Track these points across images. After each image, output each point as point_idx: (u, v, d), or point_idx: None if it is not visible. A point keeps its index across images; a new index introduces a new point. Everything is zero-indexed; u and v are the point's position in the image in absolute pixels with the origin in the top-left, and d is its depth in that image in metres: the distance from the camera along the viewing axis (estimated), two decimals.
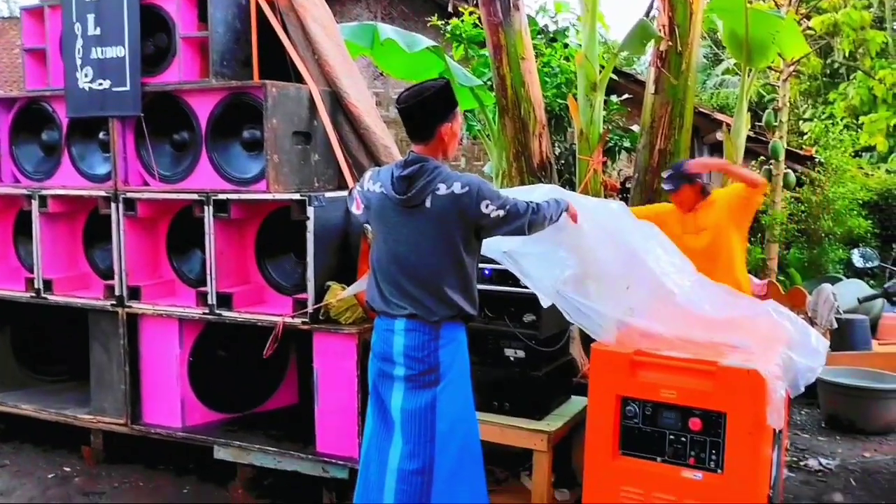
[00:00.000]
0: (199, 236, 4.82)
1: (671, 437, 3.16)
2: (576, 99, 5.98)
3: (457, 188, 3.12)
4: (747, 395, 2.99)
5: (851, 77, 13.82)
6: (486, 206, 3.12)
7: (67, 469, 4.84)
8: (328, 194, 4.34)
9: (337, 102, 4.75)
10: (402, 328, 3.22)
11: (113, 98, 4.65)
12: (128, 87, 4.60)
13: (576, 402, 4.10)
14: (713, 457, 3.08)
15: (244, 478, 4.48)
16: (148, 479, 4.69)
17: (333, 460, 4.19)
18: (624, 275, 3.38)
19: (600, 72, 5.91)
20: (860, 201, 8.26)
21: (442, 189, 3.12)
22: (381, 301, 3.28)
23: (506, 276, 3.87)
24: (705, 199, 4.56)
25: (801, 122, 14.44)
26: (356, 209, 3.48)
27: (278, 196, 4.32)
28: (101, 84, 4.69)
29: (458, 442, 3.24)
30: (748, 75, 6.56)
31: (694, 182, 4.51)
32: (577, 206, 3.53)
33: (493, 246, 3.56)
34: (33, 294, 5.08)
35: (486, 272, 3.94)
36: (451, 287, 3.18)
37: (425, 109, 3.18)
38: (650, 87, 5.93)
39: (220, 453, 4.52)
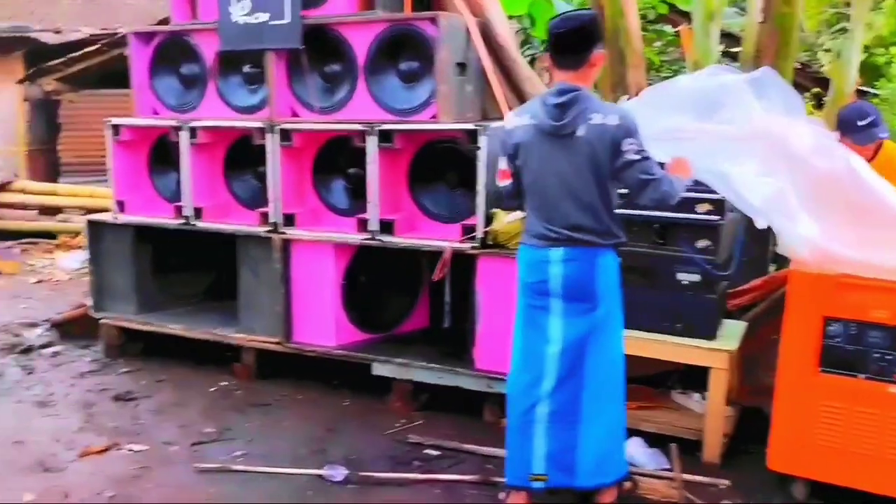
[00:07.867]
0: (343, 166, 4.73)
1: (876, 355, 3.09)
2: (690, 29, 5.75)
3: (612, 119, 2.95)
4: None
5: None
6: (628, 143, 2.94)
7: (224, 383, 4.79)
8: (492, 125, 4.20)
9: (485, 34, 4.58)
10: (560, 258, 3.06)
11: (271, 31, 4.47)
12: (288, 20, 4.41)
13: (731, 325, 4.02)
14: None
15: (401, 392, 4.43)
16: (303, 394, 4.64)
17: (499, 376, 4.14)
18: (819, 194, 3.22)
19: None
20: None
21: (596, 118, 2.95)
22: (538, 231, 3.11)
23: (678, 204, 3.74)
24: (875, 157, 3.95)
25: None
26: (502, 181, 3.26)
27: (447, 126, 4.18)
28: (258, 17, 4.50)
29: (608, 363, 3.15)
30: None
31: (876, 138, 3.93)
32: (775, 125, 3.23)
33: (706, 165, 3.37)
34: (183, 221, 4.97)
35: None
36: (606, 214, 3.06)
37: (582, 35, 2.99)
38: (757, 17, 5.64)
39: (379, 369, 4.46)
